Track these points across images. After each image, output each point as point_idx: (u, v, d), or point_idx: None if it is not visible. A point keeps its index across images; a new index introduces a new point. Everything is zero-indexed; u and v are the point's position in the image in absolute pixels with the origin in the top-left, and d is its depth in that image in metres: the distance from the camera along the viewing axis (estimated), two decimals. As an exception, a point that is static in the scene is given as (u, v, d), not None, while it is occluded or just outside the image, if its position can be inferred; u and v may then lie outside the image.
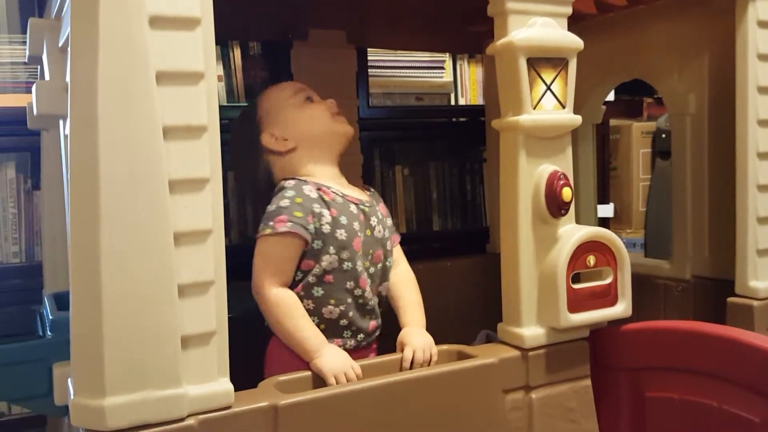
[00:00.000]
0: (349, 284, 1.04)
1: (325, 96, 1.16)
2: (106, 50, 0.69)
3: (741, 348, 0.92)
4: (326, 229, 1.02)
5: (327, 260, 1.02)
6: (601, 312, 0.99)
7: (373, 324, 1.09)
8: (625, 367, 1.04)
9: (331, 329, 1.04)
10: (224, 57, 1.92)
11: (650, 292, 1.37)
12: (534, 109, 0.95)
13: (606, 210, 2.41)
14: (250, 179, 1.17)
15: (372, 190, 1.17)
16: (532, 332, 0.96)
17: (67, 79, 0.74)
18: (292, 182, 1.05)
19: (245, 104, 1.95)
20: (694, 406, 0.96)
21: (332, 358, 0.94)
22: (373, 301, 1.08)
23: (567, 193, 0.96)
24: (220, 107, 0.79)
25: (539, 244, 0.97)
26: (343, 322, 1.05)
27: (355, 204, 1.07)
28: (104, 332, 0.70)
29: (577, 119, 1.00)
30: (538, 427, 0.96)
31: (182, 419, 0.74)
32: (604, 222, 2.34)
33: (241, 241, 1.80)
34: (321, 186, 1.06)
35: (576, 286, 0.97)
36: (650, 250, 2.18)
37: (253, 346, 1.04)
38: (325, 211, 1.02)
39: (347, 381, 0.91)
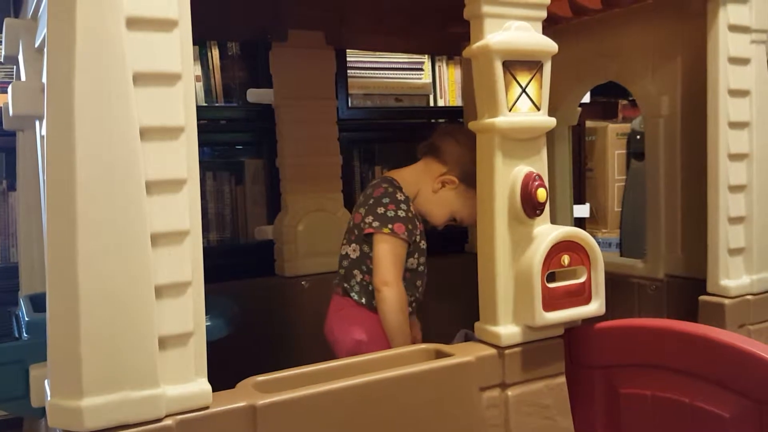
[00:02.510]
0: (418, 282, 1.32)
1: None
2: (83, 51, 0.69)
3: (712, 345, 0.93)
4: (417, 239, 1.28)
5: (410, 262, 1.28)
6: (575, 310, 1.00)
7: None
8: (600, 365, 1.05)
9: None
10: (202, 57, 1.91)
11: (625, 291, 1.39)
12: (510, 111, 0.96)
13: (582, 210, 2.44)
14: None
15: None
16: (508, 330, 0.97)
17: (44, 79, 0.74)
18: (404, 196, 1.29)
19: (223, 105, 1.95)
20: (667, 402, 0.98)
21: None
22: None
23: (542, 194, 0.97)
24: (198, 108, 0.79)
25: (515, 244, 0.98)
26: (408, 308, 1.28)
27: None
28: (81, 333, 0.70)
29: (552, 121, 1.01)
30: (514, 424, 0.97)
31: (160, 420, 0.74)
32: (580, 222, 2.37)
33: (219, 242, 1.80)
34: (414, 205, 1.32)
35: (551, 285, 0.98)
36: (625, 250, 2.21)
37: (230, 346, 1.04)
38: (418, 225, 1.29)
39: None
